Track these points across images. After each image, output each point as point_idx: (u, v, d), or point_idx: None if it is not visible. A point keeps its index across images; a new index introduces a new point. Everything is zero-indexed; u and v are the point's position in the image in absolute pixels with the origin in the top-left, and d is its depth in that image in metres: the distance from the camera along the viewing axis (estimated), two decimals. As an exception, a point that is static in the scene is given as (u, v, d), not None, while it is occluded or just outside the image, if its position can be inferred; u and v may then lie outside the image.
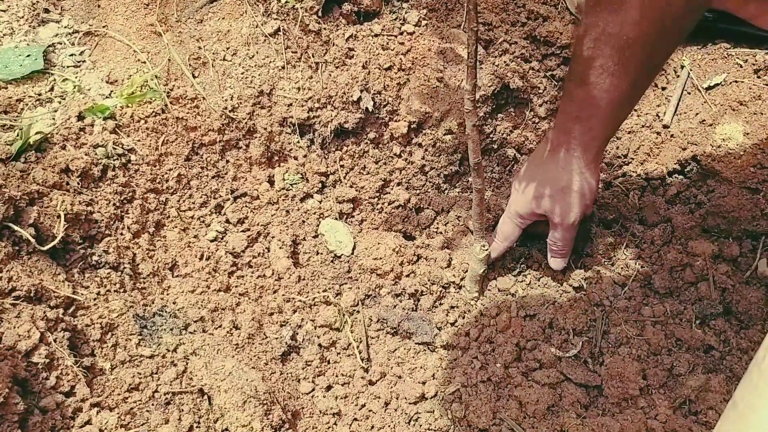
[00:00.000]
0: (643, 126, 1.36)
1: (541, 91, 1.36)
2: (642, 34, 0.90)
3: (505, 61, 1.33)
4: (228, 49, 1.25)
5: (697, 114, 1.34)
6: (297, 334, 1.16)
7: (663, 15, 0.88)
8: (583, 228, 1.22)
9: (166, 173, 1.19)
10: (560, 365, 1.11)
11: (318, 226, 1.28)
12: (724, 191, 1.22)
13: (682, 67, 1.39)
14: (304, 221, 1.28)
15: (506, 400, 1.08)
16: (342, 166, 1.32)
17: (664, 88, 1.38)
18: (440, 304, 1.23)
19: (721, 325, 1.13)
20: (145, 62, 1.23)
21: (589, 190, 1.09)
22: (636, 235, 1.26)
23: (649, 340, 1.12)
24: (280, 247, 1.22)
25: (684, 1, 0.87)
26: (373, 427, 1.08)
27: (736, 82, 1.33)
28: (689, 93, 1.37)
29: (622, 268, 1.23)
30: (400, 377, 1.14)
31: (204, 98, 1.22)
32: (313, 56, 1.28)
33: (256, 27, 1.26)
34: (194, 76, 1.24)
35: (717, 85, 1.35)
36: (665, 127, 1.35)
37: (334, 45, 1.29)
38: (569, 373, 1.10)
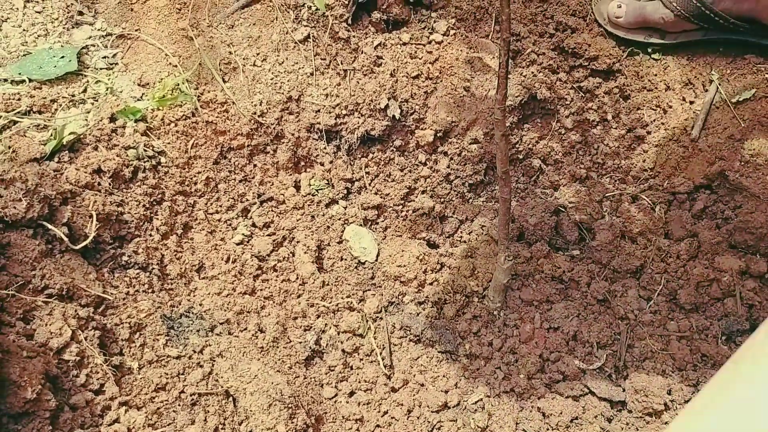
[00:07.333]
0: (670, 140, 1.35)
1: (568, 102, 1.36)
2: None
3: (532, 72, 1.33)
4: (258, 54, 1.27)
5: (725, 129, 1.33)
6: (321, 339, 1.16)
7: None
8: None
9: (195, 176, 1.20)
10: (584, 378, 1.11)
11: (343, 232, 1.29)
12: (751, 207, 1.21)
13: (711, 81, 1.38)
14: (329, 227, 1.28)
15: (529, 411, 1.08)
16: (367, 172, 1.33)
17: (692, 102, 1.37)
18: (463, 313, 1.23)
19: (747, 341, 1.12)
20: (176, 66, 1.25)
21: None
22: (662, 249, 1.25)
23: (674, 354, 1.11)
24: (305, 252, 1.23)
25: None
26: (395, 434, 1.08)
27: (766, 97, 1.32)
28: (717, 107, 1.36)
29: (647, 281, 1.22)
30: (422, 385, 1.14)
31: (234, 103, 1.23)
32: (341, 63, 1.29)
33: (287, 33, 1.27)
34: (224, 81, 1.25)
35: (746, 100, 1.34)
36: (693, 141, 1.34)
37: (362, 53, 1.30)
38: (593, 386, 1.09)
